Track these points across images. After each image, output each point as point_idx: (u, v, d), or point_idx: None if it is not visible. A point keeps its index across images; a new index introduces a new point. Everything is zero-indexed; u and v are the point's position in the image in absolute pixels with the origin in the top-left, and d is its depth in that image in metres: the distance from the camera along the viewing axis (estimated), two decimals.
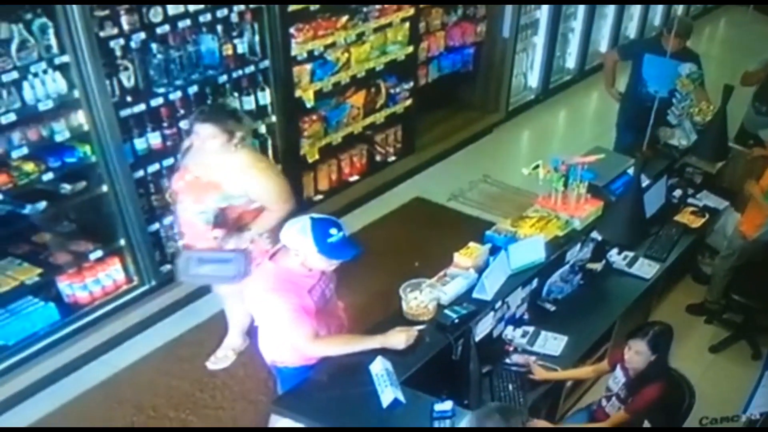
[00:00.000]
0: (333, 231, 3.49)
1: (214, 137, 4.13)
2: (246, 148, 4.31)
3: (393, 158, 6.86)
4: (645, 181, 4.92)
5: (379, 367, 3.57)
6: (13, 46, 4.15)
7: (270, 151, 5.75)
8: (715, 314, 5.54)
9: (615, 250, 5.08)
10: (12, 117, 4.26)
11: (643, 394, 3.88)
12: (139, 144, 4.96)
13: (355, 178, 6.56)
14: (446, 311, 4.01)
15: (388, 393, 3.45)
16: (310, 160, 6.04)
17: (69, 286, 4.90)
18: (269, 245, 4.30)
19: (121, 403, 4.71)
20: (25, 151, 4.38)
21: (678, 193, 5.73)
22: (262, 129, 5.65)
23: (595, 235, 4.78)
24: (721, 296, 5.44)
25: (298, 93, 5.70)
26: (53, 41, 4.31)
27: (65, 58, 4.37)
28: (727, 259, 5.36)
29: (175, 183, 4.44)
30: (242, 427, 4.50)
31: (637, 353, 3.87)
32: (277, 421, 3.61)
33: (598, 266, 4.96)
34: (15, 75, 4.20)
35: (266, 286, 3.58)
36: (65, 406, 4.56)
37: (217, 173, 4.23)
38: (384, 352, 3.66)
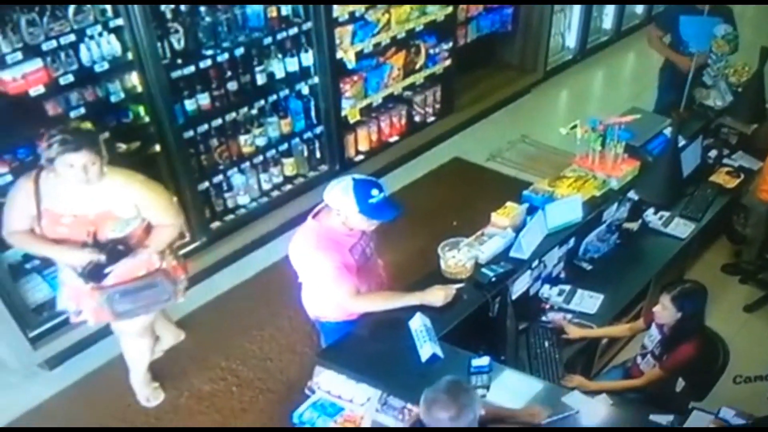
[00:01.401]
0: (374, 192, 3.45)
1: (93, 163, 3.50)
2: (110, 166, 3.67)
3: (432, 119, 6.74)
4: (681, 142, 4.78)
5: (418, 323, 3.55)
6: (71, 10, 4.15)
7: (313, 112, 5.70)
8: (750, 274, 5.40)
9: (651, 210, 4.98)
10: (70, 78, 4.27)
11: (678, 352, 3.82)
12: (189, 105, 4.95)
13: (395, 138, 6.46)
14: (484, 270, 3.95)
15: (427, 348, 3.43)
16: (351, 121, 5.97)
17: None
18: (173, 259, 4.10)
19: (175, 353, 4.78)
20: (82, 111, 4.40)
21: (713, 153, 5.57)
22: (305, 90, 5.60)
23: (631, 194, 4.69)
24: (757, 257, 5.30)
25: (339, 54, 5.61)
26: (108, 5, 4.28)
27: (119, 21, 4.35)
28: (758, 227, 5.22)
29: (51, 232, 3.66)
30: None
31: (663, 308, 3.82)
32: (321, 372, 3.61)
33: (634, 226, 4.87)
34: (72, 38, 4.21)
35: (310, 244, 3.56)
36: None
37: (101, 202, 3.63)
38: (423, 308, 3.63)
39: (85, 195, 3.58)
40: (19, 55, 4.04)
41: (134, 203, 3.71)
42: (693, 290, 3.84)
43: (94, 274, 3.68)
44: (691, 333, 3.83)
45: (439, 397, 2.82)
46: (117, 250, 3.68)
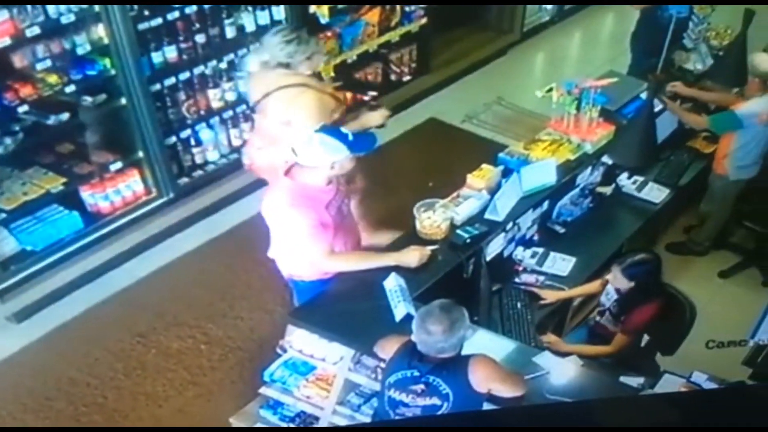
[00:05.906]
0: (344, 131, 3.56)
1: None
2: None
3: (408, 78, 6.73)
4: (658, 106, 4.81)
5: (392, 283, 3.59)
6: None
7: None
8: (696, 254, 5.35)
9: (625, 175, 5.04)
10: (36, 30, 4.22)
11: (637, 314, 3.93)
12: (156, 58, 4.90)
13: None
14: (459, 231, 4.01)
15: (401, 308, 3.48)
16: (324, 77, 5.94)
17: (91, 196, 4.94)
18: None
19: (143, 310, 4.78)
20: (48, 63, 4.37)
21: None
22: None
23: (605, 159, 4.74)
24: (705, 238, 5.30)
25: (312, 8, 5.55)
26: None
27: None
28: (711, 202, 5.17)
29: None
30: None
31: (614, 278, 3.96)
32: (293, 331, 3.66)
33: (607, 190, 4.94)
34: None
35: (285, 201, 3.58)
36: (90, 310, 4.66)
37: None
38: (398, 269, 3.68)
39: None
40: None
41: None
42: (643, 261, 3.95)
43: None
44: (648, 297, 3.93)
45: (433, 311, 2.96)
46: None
